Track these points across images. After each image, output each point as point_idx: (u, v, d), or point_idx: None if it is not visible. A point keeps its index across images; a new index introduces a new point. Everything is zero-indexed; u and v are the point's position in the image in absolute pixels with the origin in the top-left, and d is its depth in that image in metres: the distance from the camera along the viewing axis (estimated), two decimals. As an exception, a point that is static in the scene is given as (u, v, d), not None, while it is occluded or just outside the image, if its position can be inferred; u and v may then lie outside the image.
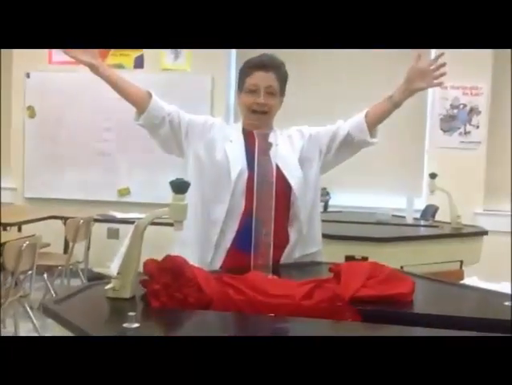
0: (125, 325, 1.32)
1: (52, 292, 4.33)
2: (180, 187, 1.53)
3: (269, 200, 1.96)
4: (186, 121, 2.09)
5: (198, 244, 2.04)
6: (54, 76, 5.66)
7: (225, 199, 2.01)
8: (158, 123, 2.05)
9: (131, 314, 1.33)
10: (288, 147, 2.12)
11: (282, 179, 2.01)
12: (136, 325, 1.32)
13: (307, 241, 2.12)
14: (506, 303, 1.60)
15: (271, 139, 2.06)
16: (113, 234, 5.43)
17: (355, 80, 5.52)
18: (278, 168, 2.02)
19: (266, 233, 1.92)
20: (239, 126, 2.16)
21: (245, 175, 2.01)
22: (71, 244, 4.45)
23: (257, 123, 2.07)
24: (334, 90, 5.53)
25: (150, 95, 2.04)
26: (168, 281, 1.54)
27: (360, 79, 5.49)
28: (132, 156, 5.73)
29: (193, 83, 5.62)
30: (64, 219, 4.57)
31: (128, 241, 1.53)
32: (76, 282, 4.57)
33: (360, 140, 2.11)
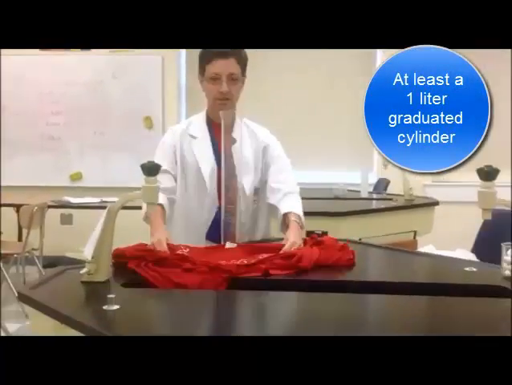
0: (105, 307, 1.34)
1: (8, 280, 4.25)
2: (151, 169, 1.54)
3: (233, 181, 2.03)
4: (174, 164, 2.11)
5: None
6: (-4, 59, 5.46)
7: (203, 200, 2.07)
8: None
9: (110, 296, 1.34)
10: (249, 145, 2.14)
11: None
12: (116, 307, 1.34)
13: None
14: (467, 269, 1.70)
15: (235, 133, 2.08)
16: (67, 220, 5.34)
17: (319, 69, 5.53)
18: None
19: (232, 208, 2.00)
20: (202, 116, 2.17)
21: (216, 172, 2.06)
22: (25, 231, 4.35)
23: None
24: (297, 78, 5.50)
25: (162, 206, 1.96)
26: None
27: (326, 68, 5.51)
28: (82, 140, 5.63)
29: (142, 63, 5.55)
30: (17, 206, 4.46)
31: (100, 225, 1.54)
32: (32, 270, 4.50)
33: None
